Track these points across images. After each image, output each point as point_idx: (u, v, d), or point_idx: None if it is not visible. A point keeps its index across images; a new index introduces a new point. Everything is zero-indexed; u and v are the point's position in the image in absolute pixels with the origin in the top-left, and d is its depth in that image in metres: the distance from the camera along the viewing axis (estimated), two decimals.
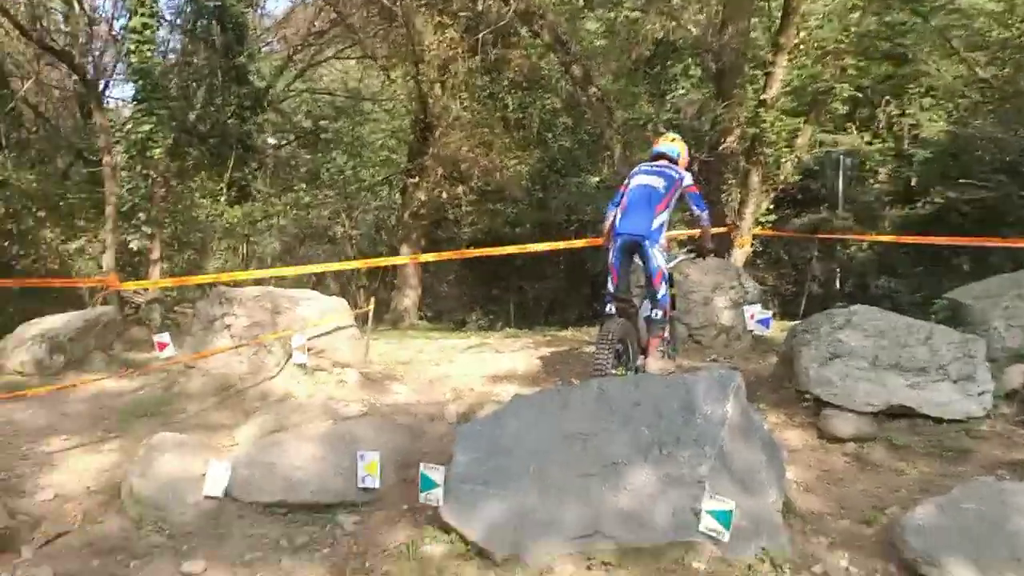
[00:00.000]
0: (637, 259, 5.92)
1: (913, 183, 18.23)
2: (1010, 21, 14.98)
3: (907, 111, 18.15)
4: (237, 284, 8.91)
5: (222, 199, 16.70)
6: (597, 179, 19.17)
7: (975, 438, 5.39)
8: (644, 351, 5.95)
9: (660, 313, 5.86)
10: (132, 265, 15.48)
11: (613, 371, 5.40)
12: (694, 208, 6.11)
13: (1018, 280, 6.68)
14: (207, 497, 5.02)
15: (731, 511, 3.98)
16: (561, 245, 14.08)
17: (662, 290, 5.82)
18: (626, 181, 6.11)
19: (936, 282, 14.70)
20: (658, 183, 5.87)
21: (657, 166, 6.07)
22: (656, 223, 5.74)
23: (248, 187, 17.83)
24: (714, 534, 4.00)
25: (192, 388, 6.90)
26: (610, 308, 5.83)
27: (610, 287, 5.88)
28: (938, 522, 4.26)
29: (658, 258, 5.76)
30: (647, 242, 5.71)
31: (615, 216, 5.97)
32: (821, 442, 5.54)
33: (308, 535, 4.79)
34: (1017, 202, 15.04)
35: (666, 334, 6.04)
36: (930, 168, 17.48)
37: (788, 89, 13.86)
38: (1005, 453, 5.23)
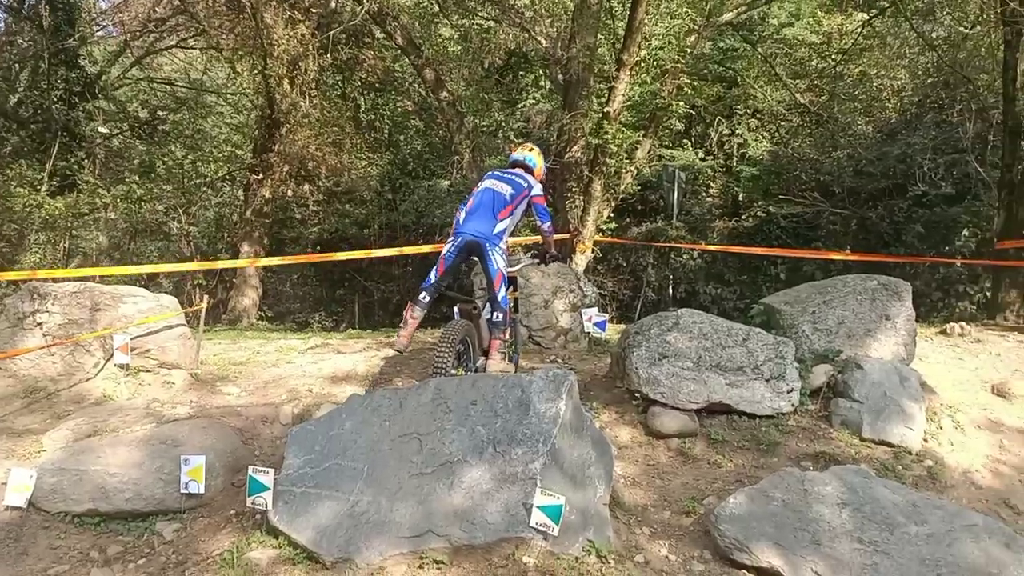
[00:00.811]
0: (477, 260, 5.97)
1: (740, 198, 19.47)
2: (827, 52, 16.34)
3: (736, 131, 19.40)
4: (55, 281, 8.31)
5: (42, 189, 15.47)
6: (447, 183, 19.27)
7: (784, 432, 5.84)
8: (485, 353, 5.99)
9: (500, 316, 5.89)
10: None
11: (453, 371, 5.43)
12: (537, 219, 6.22)
13: (824, 288, 7.27)
14: (8, 508, 4.70)
15: (561, 506, 4.13)
16: (408, 250, 14.07)
17: (502, 292, 5.84)
18: (478, 184, 6.15)
19: (757, 289, 15.81)
20: (505, 189, 5.94)
21: (509, 173, 6.14)
22: (498, 228, 5.79)
23: (73, 177, 16.62)
24: (544, 529, 4.13)
25: None
26: (423, 297, 5.78)
27: (431, 277, 5.83)
28: (748, 511, 4.60)
29: (498, 261, 5.77)
30: (487, 244, 5.74)
31: (459, 216, 5.98)
32: (648, 438, 5.81)
33: (122, 545, 4.57)
34: (828, 218, 16.40)
35: (507, 336, 6.11)
36: (755, 184, 18.76)
37: (629, 104, 14.50)
38: (809, 445, 5.70)
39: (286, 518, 4.37)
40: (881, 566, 4.28)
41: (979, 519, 4.68)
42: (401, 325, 5.77)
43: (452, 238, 5.88)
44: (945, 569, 4.28)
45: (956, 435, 6.03)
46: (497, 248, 5.78)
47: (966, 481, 5.54)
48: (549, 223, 6.30)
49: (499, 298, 5.85)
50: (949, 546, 4.41)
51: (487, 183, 6.04)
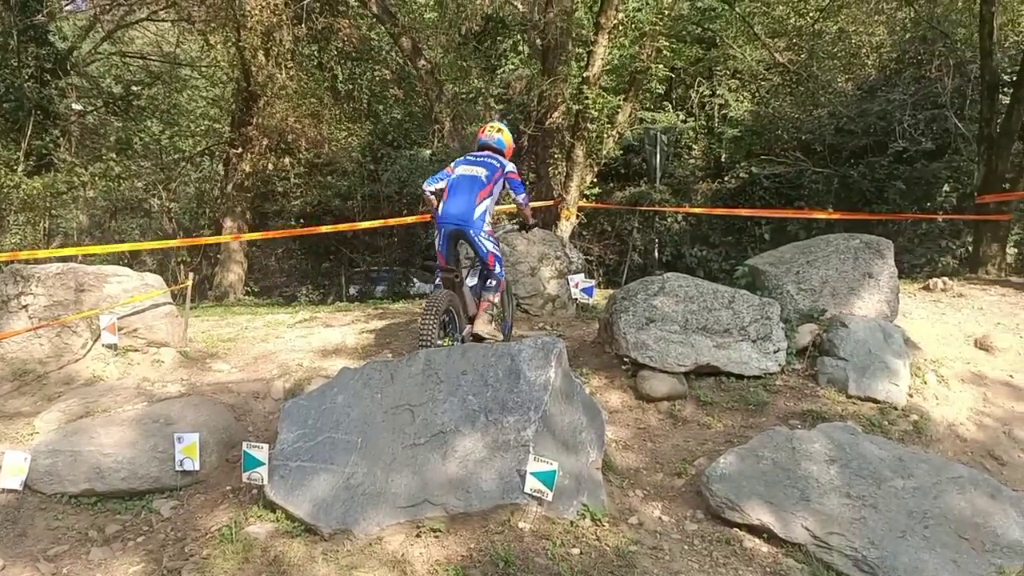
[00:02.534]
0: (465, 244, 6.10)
1: (722, 159, 19.49)
2: (805, 10, 16.26)
3: (717, 92, 19.35)
4: (38, 262, 8.23)
5: (19, 168, 15.26)
6: (429, 152, 19.16)
7: (771, 392, 5.91)
8: (471, 320, 6.08)
9: (494, 283, 6.07)
10: None
11: (439, 341, 5.47)
12: (512, 192, 6.28)
13: (808, 248, 7.32)
14: (3, 490, 4.71)
15: (554, 471, 4.17)
16: (392, 222, 14.05)
17: (497, 269, 6.04)
18: (452, 167, 6.21)
19: (742, 250, 15.90)
20: (480, 172, 6.02)
21: (480, 156, 6.21)
22: (479, 211, 5.88)
23: (50, 156, 16.39)
24: (539, 495, 4.18)
25: None
26: (438, 282, 5.99)
27: (437, 272, 6.07)
28: (739, 470, 4.67)
29: (485, 244, 5.94)
30: (471, 231, 5.87)
31: (439, 205, 6.04)
32: (639, 402, 5.87)
33: (120, 524, 4.59)
34: (811, 177, 16.44)
35: (495, 299, 6.13)
36: (737, 145, 18.78)
37: (609, 68, 14.41)
38: (796, 404, 5.78)
39: (282, 492, 4.39)
40: (870, 519, 4.36)
41: (964, 471, 4.78)
42: (423, 313, 5.71)
43: (437, 228, 6.00)
44: (932, 521, 4.37)
45: (940, 389, 6.12)
46: (482, 233, 5.91)
47: (951, 434, 5.64)
48: (524, 195, 6.35)
49: (495, 273, 6.05)
50: (935, 498, 4.50)
51: (461, 169, 6.10)
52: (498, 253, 6.07)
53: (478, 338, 5.97)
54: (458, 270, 6.13)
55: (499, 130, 6.44)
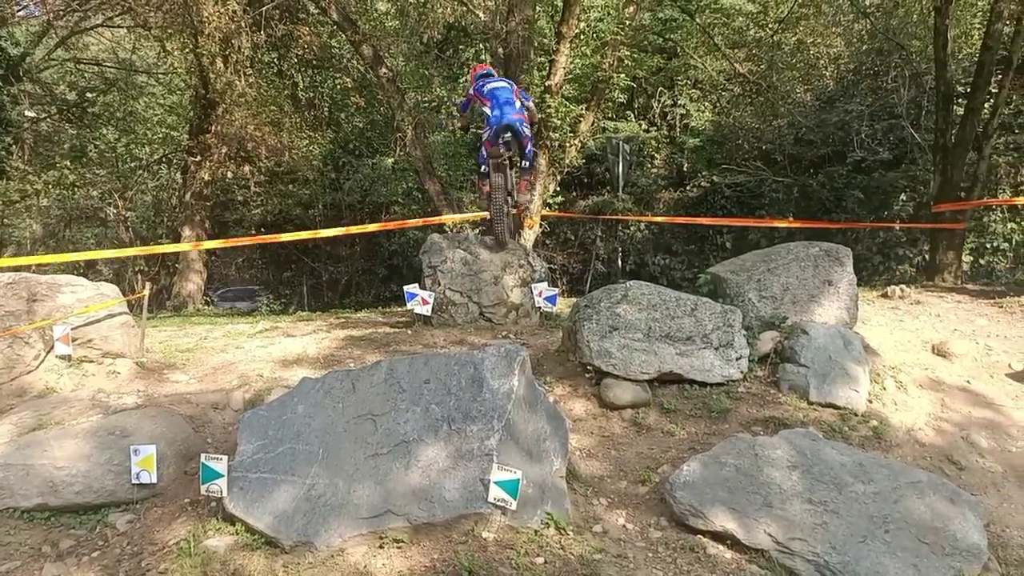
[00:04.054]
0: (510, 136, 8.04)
1: (684, 168, 19.66)
2: (764, 22, 16.50)
3: (678, 102, 19.54)
4: None
5: None
6: (391, 160, 19.05)
7: (734, 399, 5.93)
8: (509, 193, 8.45)
9: (528, 163, 8.58)
10: None
11: (513, 209, 8.62)
12: (526, 101, 8.51)
13: (769, 256, 7.37)
14: None
15: (518, 480, 4.14)
16: (354, 230, 13.94)
17: (529, 146, 8.30)
18: (476, 88, 8.37)
19: (704, 258, 16.05)
20: (506, 83, 8.40)
21: (499, 78, 8.62)
22: (518, 111, 8.07)
23: (2, 164, 16.02)
24: (502, 504, 4.14)
25: None
26: (487, 166, 8.21)
27: (484, 152, 8.14)
28: (702, 477, 4.68)
29: (526, 129, 8.12)
30: (518, 123, 8.00)
31: (493, 111, 8.00)
32: (603, 410, 5.86)
33: (75, 539, 4.46)
34: (771, 186, 16.65)
35: (533, 178, 8.85)
36: (699, 154, 18.96)
37: (571, 77, 14.46)
38: (759, 411, 5.80)
39: (242, 504, 4.30)
40: (831, 524, 4.39)
41: (923, 476, 4.84)
42: (494, 190, 8.29)
43: (490, 126, 8.01)
44: (892, 525, 4.41)
45: (899, 395, 6.20)
46: (524, 123, 8.10)
47: (910, 439, 5.71)
48: (531, 100, 8.97)
49: (527, 150, 8.31)
50: (896, 503, 4.54)
51: (492, 84, 8.29)
52: (531, 134, 8.39)
53: (518, 205, 9.13)
54: (507, 154, 8.18)
55: (490, 64, 9.35)
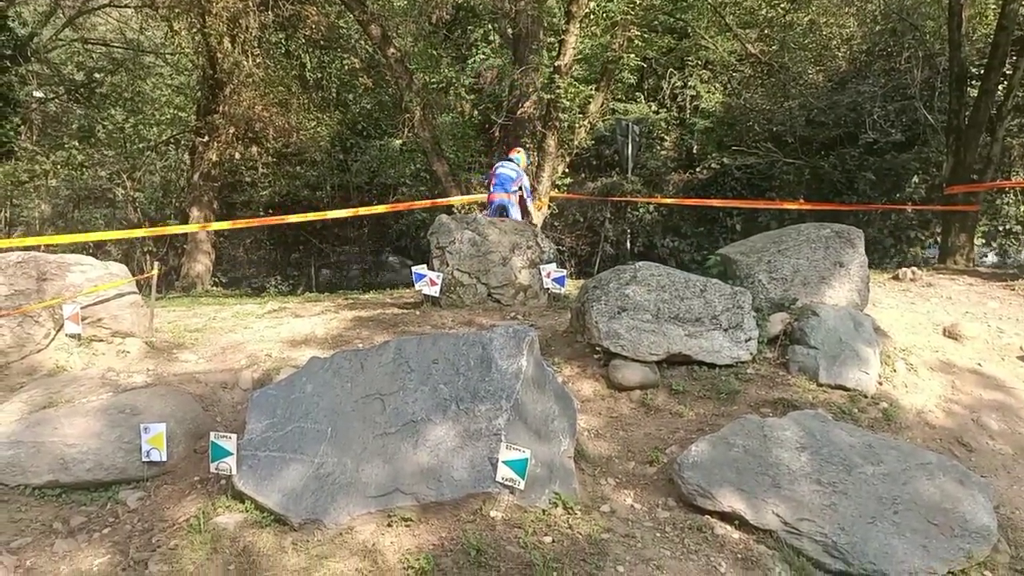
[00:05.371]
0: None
1: (694, 150, 19.53)
2: (776, 1, 16.30)
3: (688, 83, 19.38)
4: None
5: None
6: (399, 142, 18.97)
7: (743, 380, 5.91)
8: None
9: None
10: None
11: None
12: (524, 192, 10.82)
13: (779, 237, 7.32)
14: None
15: (526, 460, 4.14)
16: (363, 211, 13.88)
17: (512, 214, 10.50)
18: (493, 169, 10.90)
19: (714, 241, 15.97)
20: (510, 171, 10.64)
21: (507, 162, 10.84)
22: (511, 195, 10.50)
23: (10, 144, 16.03)
24: (510, 483, 4.15)
25: None
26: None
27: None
28: (710, 458, 4.67)
29: (513, 212, 10.41)
30: (508, 205, 10.47)
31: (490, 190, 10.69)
32: (610, 391, 5.85)
33: (85, 516, 4.49)
34: (782, 168, 16.54)
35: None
36: (708, 136, 18.82)
37: (580, 57, 14.35)
38: (768, 393, 5.78)
39: (251, 482, 4.32)
40: (840, 505, 4.38)
41: (933, 458, 4.82)
42: None
43: (489, 204, 10.66)
44: (901, 506, 4.39)
45: (910, 377, 6.17)
46: (513, 206, 10.48)
47: (920, 421, 5.68)
48: (529, 197, 11.09)
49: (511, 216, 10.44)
50: (905, 484, 4.53)
51: (500, 170, 10.70)
52: (516, 214, 10.48)
53: None
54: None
55: (517, 151, 11.19)
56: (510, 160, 10.88)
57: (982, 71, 11.99)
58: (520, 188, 10.67)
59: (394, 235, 19.57)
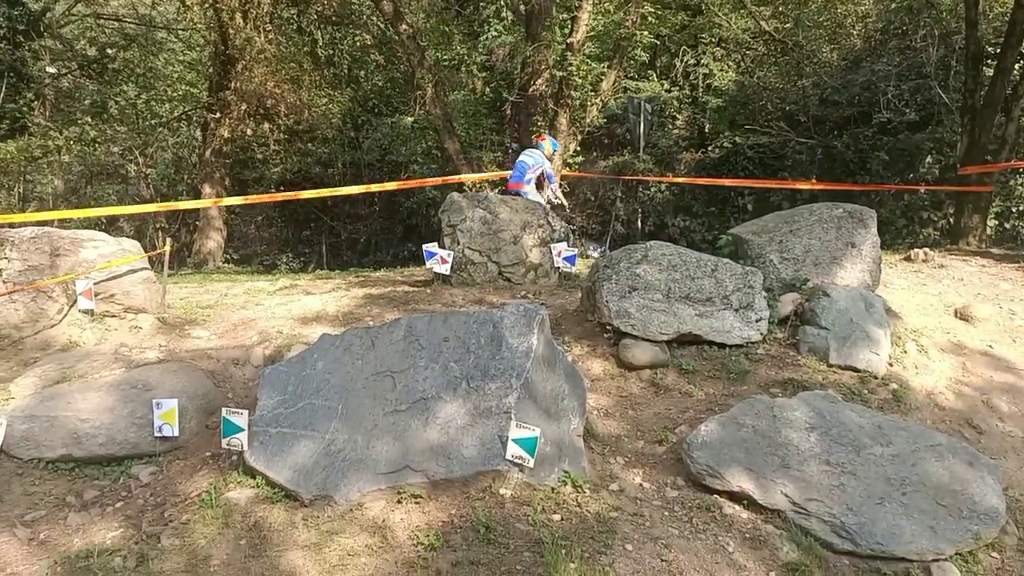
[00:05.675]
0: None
1: (706, 129, 19.37)
2: None
3: (701, 61, 19.19)
4: (12, 227, 8.06)
5: None
6: (411, 119, 18.89)
7: (753, 360, 5.92)
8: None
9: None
10: None
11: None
12: (547, 181, 10.81)
13: (791, 217, 7.29)
14: None
15: (536, 438, 4.16)
16: (374, 188, 13.89)
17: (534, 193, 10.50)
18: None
19: (725, 220, 15.89)
20: (529, 159, 10.47)
21: (531, 151, 10.66)
22: (527, 182, 10.39)
23: (24, 119, 16.05)
24: (520, 461, 4.18)
25: None
26: None
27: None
28: (720, 437, 4.69)
29: (529, 192, 10.30)
30: (522, 192, 10.16)
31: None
32: (620, 370, 5.87)
33: (99, 490, 4.56)
34: (794, 147, 16.40)
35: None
36: (721, 115, 18.65)
37: (593, 34, 14.24)
38: (778, 373, 5.79)
39: (263, 458, 4.36)
40: (848, 486, 4.39)
41: (943, 439, 4.82)
42: None
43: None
44: (910, 487, 4.41)
45: (920, 359, 6.16)
46: (527, 195, 10.06)
47: (930, 403, 5.68)
48: (554, 184, 11.11)
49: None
50: (914, 465, 4.53)
51: (521, 158, 10.65)
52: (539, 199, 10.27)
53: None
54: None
55: (543, 138, 11.04)
56: (536, 148, 10.75)
57: (998, 50, 11.82)
58: (541, 175, 10.56)
59: (405, 213, 19.54)
